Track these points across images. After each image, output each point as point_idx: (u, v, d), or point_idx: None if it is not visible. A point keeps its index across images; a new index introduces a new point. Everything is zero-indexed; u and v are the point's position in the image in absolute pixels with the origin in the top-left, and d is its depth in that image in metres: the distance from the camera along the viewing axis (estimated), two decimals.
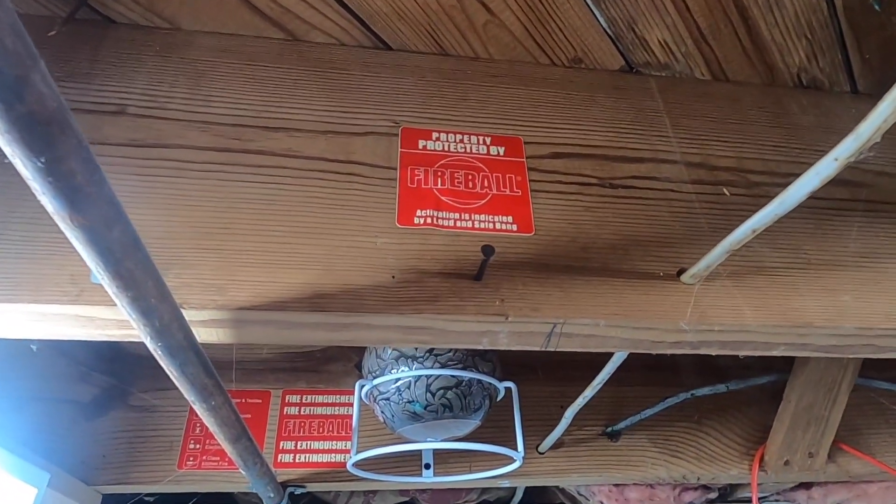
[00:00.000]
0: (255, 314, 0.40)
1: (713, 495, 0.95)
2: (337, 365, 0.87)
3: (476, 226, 0.46)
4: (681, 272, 0.46)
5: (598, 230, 0.48)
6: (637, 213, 0.49)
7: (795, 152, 0.57)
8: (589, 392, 0.65)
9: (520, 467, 0.75)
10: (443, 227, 0.46)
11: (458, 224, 0.46)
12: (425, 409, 0.68)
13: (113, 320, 0.39)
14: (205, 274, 0.40)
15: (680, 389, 0.87)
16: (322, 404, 0.84)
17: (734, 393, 0.92)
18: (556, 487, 0.95)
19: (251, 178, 0.46)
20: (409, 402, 0.68)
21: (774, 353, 0.47)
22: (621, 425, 0.85)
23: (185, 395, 0.43)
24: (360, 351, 0.80)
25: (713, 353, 0.47)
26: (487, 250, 0.40)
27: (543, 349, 0.46)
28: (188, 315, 0.39)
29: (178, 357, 0.37)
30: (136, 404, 0.81)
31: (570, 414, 0.72)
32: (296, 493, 0.79)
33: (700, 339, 0.45)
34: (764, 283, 0.46)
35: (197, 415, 0.82)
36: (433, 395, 0.68)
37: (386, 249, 0.44)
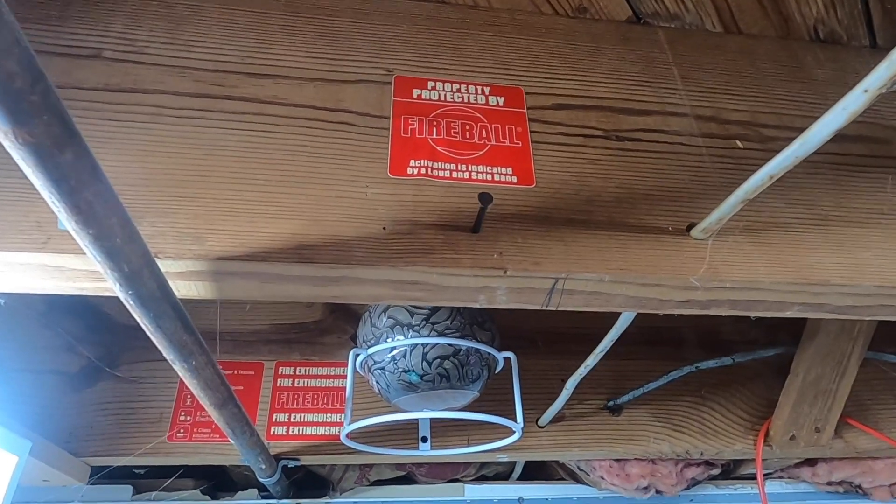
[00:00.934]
0: (236, 265, 0.37)
1: (716, 471, 0.93)
2: (331, 337, 0.85)
3: (473, 177, 0.43)
4: (691, 227, 0.43)
5: (603, 183, 0.45)
6: (644, 166, 0.47)
7: (811, 107, 0.54)
8: (591, 360, 0.63)
9: (519, 440, 0.73)
10: (438, 178, 0.43)
11: (455, 175, 0.43)
12: (421, 378, 0.66)
13: (83, 271, 0.37)
14: (181, 222, 0.38)
15: (683, 364, 0.84)
16: (316, 376, 0.82)
17: (738, 368, 0.89)
18: (556, 462, 0.93)
19: (233, 126, 0.43)
20: (405, 371, 0.66)
21: (787, 313, 0.44)
22: (623, 399, 0.83)
23: (165, 354, 0.40)
24: (355, 323, 0.77)
25: (722, 314, 0.45)
26: (485, 198, 0.38)
27: (544, 307, 0.43)
28: (164, 266, 0.37)
29: (152, 308, 0.34)
30: (125, 375, 0.79)
31: (571, 385, 0.70)
32: (289, 466, 0.77)
33: (710, 297, 0.42)
34: (779, 239, 0.44)
35: (188, 386, 0.80)
36: (429, 364, 0.65)
37: (377, 200, 0.41)
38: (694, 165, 0.47)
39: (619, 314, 0.56)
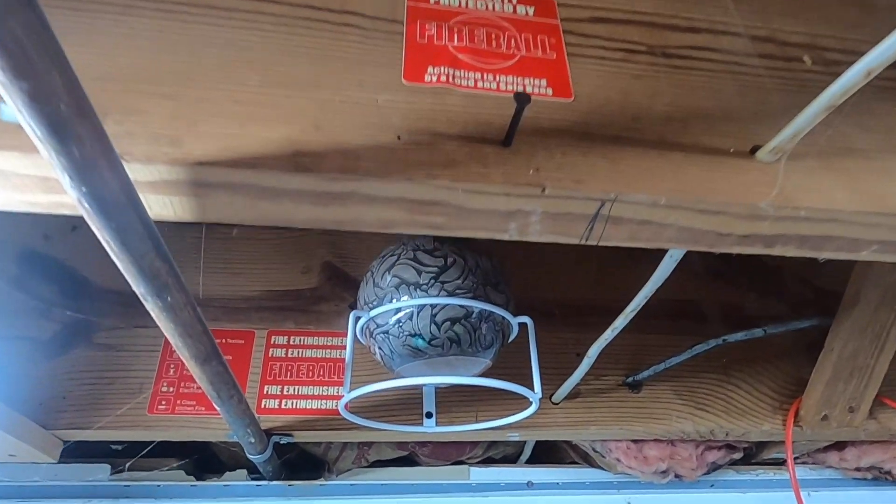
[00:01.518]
0: (221, 173, 0.31)
1: (737, 455, 0.87)
2: (328, 305, 0.79)
3: (502, 87, 0.37)
4: (755, 150, 0.37)
5: (650, 101, 0.39)
6: (697, 84, 0.40)
7: (873, 31, 0.47)
8: (620, 322, 0.57)
9: (532, 416, 0.67)
10: (461, 86, 0.37)
11: (480, 85, 0.37)
12: (429, 343, 0.59)
13: (34, 177, 0.30)
14: (154, 122, 0.31)
15: (705, 339, 0.78)
16: (311, 346, 0.75)
17: (765, 344, 0.84)
18: (568, 444, 0.87)
19: (221, 22, 0.36)
20: (412, 335, 0.60)
21: (862, 254, 0.38)
22: (643, 375, 0.77)
23: (134, 287, 0.34)
24: (354, 291, 0.71)
25: (788, 254, 0.39)
26: (522, 98, 0.31)
27: (582, 241, 0.37)
28: (132, 172, 0.30)
29: (114, 217, 0.27)
30: (102, 342, 0.72)
31: (594, 353, 0.63)
32: (281, 442, 0.70)
33: (778, 230, 0.36)
34: (855, 165, 0.38)
35: (171, 354, 0.73)
36: (438, 327, 0.59)
37: (389, 108, 0.34)
38: (752, 86, 0.41)
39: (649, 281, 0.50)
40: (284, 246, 0.83)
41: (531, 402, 0.63)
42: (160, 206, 0.32)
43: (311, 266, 0.82)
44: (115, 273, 0.73)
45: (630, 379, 0.78)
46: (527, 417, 0.64)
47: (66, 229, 0.79)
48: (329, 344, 0.76)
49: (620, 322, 0.56)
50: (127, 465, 0.73)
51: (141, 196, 0.29)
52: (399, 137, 0.33)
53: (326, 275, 0.81)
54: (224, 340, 0.74)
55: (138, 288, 0.33)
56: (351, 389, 0.58)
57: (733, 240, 0.37)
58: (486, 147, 0.34)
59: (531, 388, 0.60)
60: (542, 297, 0.82)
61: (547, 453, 0.90)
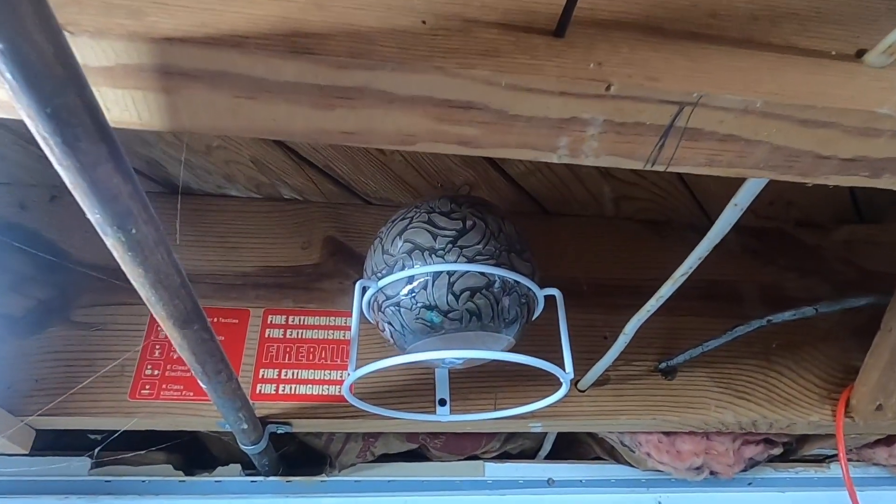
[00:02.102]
0: (195, 56, 0.24)
1: (777, 451, 0.80)
2: (331, 282, 0.72)
3: None
4: (861, 53, 0.30)
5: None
6: None
7: None
8: (667, 290, 0.49)
9: (557, 404, 0.60)
10: None
11: None
12: (445, 316, 0.52)
13: None
14: None
15: (743, 321, 0.71)
16: (312, 327, 0.68)
17: (809, 328, 0.76)
18: (593, 438, 0.80)
19: None
20: (426, 307, 0.52)
21: None
22: (678, 360, 0.70)
23: (88, 214, 0.26)
24: (360, 268, 0.64)
25: (892, 186, 0.31)
26: None
27: (648, 166, 0.30)
28: (80, 52, 0.23)
29: (48, 97, 0.20)
30: (80, 321, 0.65)
31: (630, 329, 0.56)
32: (278, 432, 0.63)
33: (892, 151, 0.29)
34: None
35: (157, 333, 0.66)
36: (456, 297, 0.52)
37: None
38: None
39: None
40: (283, 218, 0.76)
41: (560, 385, 0.55)
42: (120, 109, 0.25)
43: (312, 240, 0.75)
44: (96, 246, 0.66)
45: (663, 364, 0.71)
46: (557, 401, 0.57)
47: (44, 199, 0.72)
48: (332, 324, 0.69)
49: (667, 289, 0.49)
50: (110, 457, 0.65)
51: (95, 92, 0.22)
52: (424, 22, 0.26)
53: (329, 250, 0.74)
54: (216, 320, 0.67)
55: (93, 213, 0.26)
56: (357, 367, 0.51)
57: (833, 166, 0.30)
58: (533, 37, 0.27)
59: (561, 368, 0.53)
60: (566, 275, 0.74)
61: (568, 448, 0.83)
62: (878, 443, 0.81)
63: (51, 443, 0.70)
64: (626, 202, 0.80)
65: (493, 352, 0.48)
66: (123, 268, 0.30)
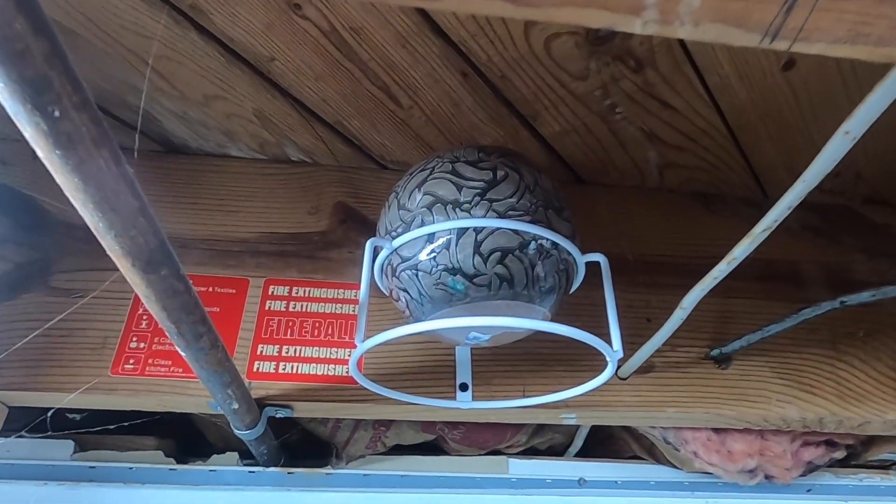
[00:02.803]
0: None
1: (839, 454, 0.70)
2: (340, 252, 0.64)
3: None
4: None
5: None
6: None
7: None
8: (740, 252, 0.41)
9: (597, 391, 0.51)
10: None
11: None
12: (471, 281, 0.44)
13: None
14: None
15: (807, 305, 0.62)
16: (318, 299, 0.61)
17: (882, 314, 0.67)
18: (630, 434, 0.71)
19: None
20: (448, 270, 0.44)
21: None
22: (733, 346, 0.61)
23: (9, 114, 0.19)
24: (372, 234, 0.55)
25: None
26: None
27: (767, 42, 0.22)
28: None
29: None
30: (61, 286, 0.58)
31: (689, 303, 0.48)
32: (277, 416, 0.56)
33: None
34: None
35: (143, 304, 0.59)
36: (484, 259, 0.44)
37: None
38: None
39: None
40: (289, 181, 0.68)
41: (602, 368, 0.47)
42: None
43: (321, 206, 0.67)
44: None
45: (716, 351, 0.62)
46: (600, 386, 0.49)
47: (26, 155, 0.66)
48: (340, 297, 0.61)
49: (744, 249, 0.40)
50: (95, 441, 0.58)
51: None
52: None
53: (339, 217, 0.66)
54: (211, 289, 0.60)
55: (15, 111, 0.19)
56: (367, 337, 0.43)
57: None
58: None
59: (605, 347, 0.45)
60: (604, 250, 0.66)
61: (602, 445, 0.74)
62: None
63: (30, 423, 0.63)
64: (671, 171, 0.72)
65: (530, 320, 0.40)
66: (55, 176, 0.23)
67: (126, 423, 0.59)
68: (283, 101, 0.62)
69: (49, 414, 0.52)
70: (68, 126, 0.21)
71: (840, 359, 0.64)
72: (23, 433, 0.60)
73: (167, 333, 0.36)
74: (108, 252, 0.28)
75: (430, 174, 0.47)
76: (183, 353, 0.38)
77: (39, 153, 0.22)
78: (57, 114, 0.20)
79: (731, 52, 0.56)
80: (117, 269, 0.59)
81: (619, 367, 0.60)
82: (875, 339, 0.66)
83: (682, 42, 0.56)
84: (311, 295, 0.61)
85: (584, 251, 0.50)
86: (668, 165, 0.71)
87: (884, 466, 0.75)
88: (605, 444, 0.74)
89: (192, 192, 0.66)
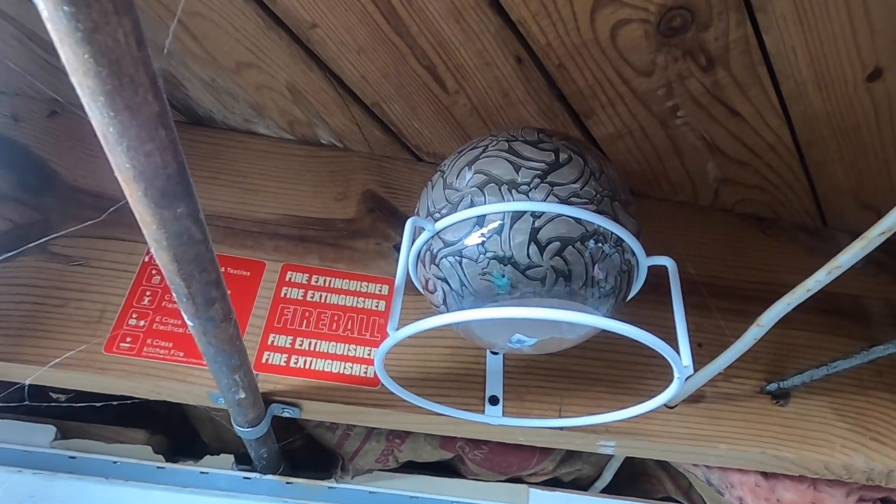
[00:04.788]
0: None
1: None
2: (367, 242, 0.59)
3: None
4: None
5: None
6: None
7: None
8: (845, 259, 0.35)
9: (637, 418, 0.45)
10: None
11: None
12: (523, 273, 0.39)
13: None
14: None
15: (876, 343, 0.56)
16: (340, 291, 0.55)
17: None
18: (665, 472, 0.65)
19: None
20: (498, 259, 0.39)
21: None
22: (794, 381, 0.55)
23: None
24: (401, 228, 0.49)
25: None
26: None
27: None
28: None
29: None
30: (60, 252, 0.53)
31: (768, 321, 0.42)
32: (283, 414, 0.50)
33: None
34: None
35: (150, 278, 0.54)
36: (541, 249, 0.38)
37: None
38: None
39: None
40: (317, 164, 0.64)
41: (656, 391, 0.41)
42: None
43: (349, 192, 0.62)
44: (92, 171, 0.54)
45: (774, 386, 0.56)
46: (659, 406, 0.42)
47: (41, 113, 0.62)
48: (363, 290, 0.55)
49: (848, 257, 0.35)
50: (77, 429, 0.52)
51: None
52: None
53: (368, 205, 0.61)
54: (224, 269, 0.55)
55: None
56: (400, 325, 0.37)
57: None
58: None
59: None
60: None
61: (632, 482, 0.67)
62: None
63: (8, 401, 0.58)
64: (728, 188, 0.66)
65: (597, 317, 0.34)
66: (61, 53, 0.18)
67: (114, 402, 0.53)
68: (320, 74, 0.57)
69: (26, 382, 0.46)
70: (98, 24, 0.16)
71: None
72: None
73: (174, 293, 0.30)
74: (117, 174, 0.23)
75: (483, 152, 0.42)
76: (190, 323, 0.33)
77: (43, 11, 0.17)
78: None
79: (812, 52, 0.51)
80: (124, 240, 0.54)
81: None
82: None
83: (760, 39, 0.51)
84: (331, 285, 0.55)
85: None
86: (726, 181, 0.66)
87: None
88: (635, 481, 0.68)
89: (212, 167, 0.61)
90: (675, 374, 0.38)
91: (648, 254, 0.44)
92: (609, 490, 0.66)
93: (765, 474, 0.59)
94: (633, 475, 0.66)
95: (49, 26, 0.17)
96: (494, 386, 0.51)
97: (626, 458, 0.64)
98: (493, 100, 0.58)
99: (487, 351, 0.53)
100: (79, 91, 0.19)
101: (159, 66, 0.57)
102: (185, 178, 0.24)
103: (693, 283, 0.62)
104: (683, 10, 0.49)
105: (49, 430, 0.59)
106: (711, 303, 0.60)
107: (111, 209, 0.52)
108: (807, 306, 0.62)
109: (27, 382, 0.47)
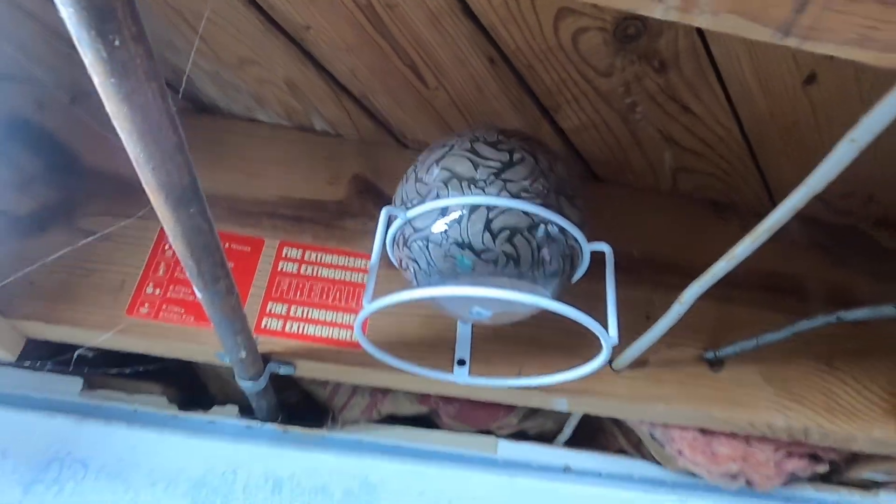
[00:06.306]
0: None
1: (822, 469, 0.71)
2: (355, 222, 0.66)
3: None
4: None
5: None
6: None
7: None
8: (743, 249, 0.42)
9: (591, 378, 0.53)
10: None
11: None
12: (479, 256, 0.46)
13: None
14: None
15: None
16: (330, 266, 0.63)
17: (882, 336, 0.68)
18: (619, 428, 0.73)
19: None
20: (458, 244, 0.46)
21: None
22: (728, 351, 0.62)
23: (61, 7, 0.21)
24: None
25: None
26: None
27: (779, 38, 0.23)
28: None
29: None
30: (85, 228, 0.61)
31: (688, 298, 0.49)
32: (280, 372, 0.58)
33: None
34: None
35: (164, 251, 0.61)
36: (494, 236, 0.46)
37: None
38: None
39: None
40: (312, 150, 0.70)
41: (600, 350, 0.49)
42: None
43: (340, 176, 0.69)
44: (111, 154, 0.61)
45: (711, 354, 0.63)
46: (593, 371, 0.50)
47: (63, 100, 0.68)
48: (350, 265, 0.63)
49: (744, 249, 0.42)
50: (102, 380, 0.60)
51: None
52: None
53: (356, 188, 0.68)
54: (227, 245, 0.62)
55: (65, 6, 0.20)
56: (374, 298, 0.45)
57: None
58: None
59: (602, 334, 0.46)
60: (613, 246, 0.67)
61: (591, 436, 0.76)
62: None
63: (42, 356, 0.66)
64: (685, 175, 0.73)
65: (531, 295, 0.41)
66: (106, 104, 0.25)
67: (140, 369, 0.61)
68: (314, 71, 0.64)
69: (76, 353, 0.55)
70: (125, 55, 0.23)
71: (833, 374, 0.65)
72: (38, 364, 0.63)
73: (187, 273, 0.38)
74: (145, 185, 0.30)
75: (450, 150, 0.49)
76: (199, 294, 0.40)
77: (95, 79, 0.24)
78: (117, 43, 0.22)
79: (755, 61, 0.57)
80: (140, 218, 0.61)
81: (615, 359, 0.61)
82: (873, 359, 0.67)
83: (707, 48, 0.57)
84: (322, 260, 0.63)
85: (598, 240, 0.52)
86: (683, 169, 0.72)
87: (865, 486, 0.76)
88: (594, 436, 0.76)
89: (216, 152, 0.68)
90: (603, 344, 0.46)
91: (608, 237, 0.51)
92: (570, 444, 0.75)
93: (702, 431, 0.67)
94: (591, 431, 0.75)
95: (101, 92, 0.24)
96: (463, 350, 0.59)
97: (584, 415, 0.72)
98: (469, 94, 0.64)
99: (458, 321, 0.61)
100: (119, 130, 0.26)
101: (171, 63, 0.64)
102: (196, 187, 0.31)
103: (650, 262, 0.69)
104: (636, 19, 0.55)
105: (77, 382, 0.68)
106: (663, 279, 0.68)
107: (139, 214, 0.58)
108: (749, 283, 0.70)
109: (77, 350, 0.55)
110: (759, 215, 0.76)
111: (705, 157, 0.70)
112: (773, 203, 0.76)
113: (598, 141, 0.69)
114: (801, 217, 0.77)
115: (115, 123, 0.26)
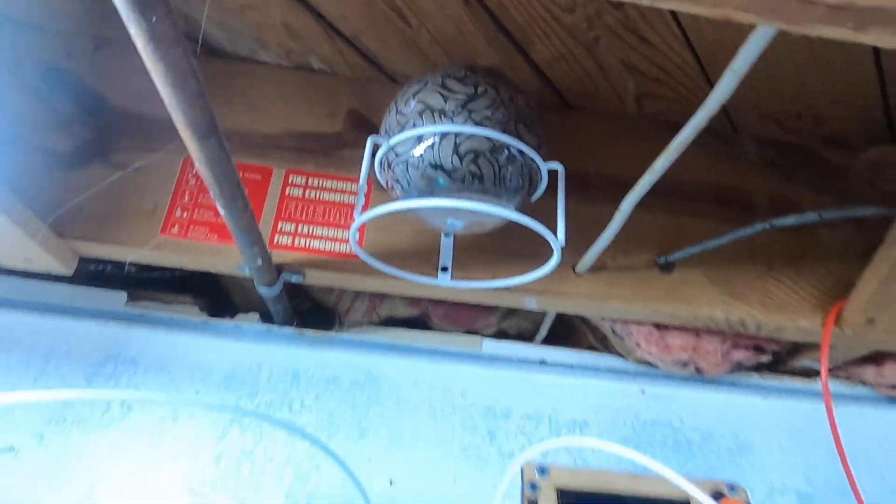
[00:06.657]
0: None
1: (765, 358, 0.82)
2: (351, 151, 0.75)
3: None
4: None
5: None
6: None
7: None
8: (662, 163, 0.51)
9: (553, 278, 0.63)
10: None
11: None
12: (449, 175, 0.55)
13: None
14: None
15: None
16: (330, 190, 0.72)
17: (817, 242, 0.77)
18: (588, 327, 0.84)
19: None
20: (432, 166, 0.55)
21: None
22: (678, 255, 0.72)
23: None
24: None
25: (881, 43, 0.32)
26: None
27: None
28: None
29: None
30: (119, 162, 0.70)
31: (627, 207, 0.58)
32: (292, 280, 0.69)
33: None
34: None
35: (188, 180, 0.71)
36: (461, 158, 0.55)
37: None
38: None
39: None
40: (311, 88, 0.78)
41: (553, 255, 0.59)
42: None
43: (336, 111, 0.77)
44: (135, 95, 0.70)
45: (662, 259, 0.73)
46: (548, 272, 0.60)
47: (88, 48, 0.76)
48: (348, 189, 0.73)
49: (662, 163, 0.51)
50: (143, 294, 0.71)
51: None
52: None
53: (351, 122, 0.77)
54: (241, 174, 0.71)
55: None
56: (363, 213, 0.55)
57: (819, 13, 0.30)
58: None
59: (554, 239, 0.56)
60: (580, 168, 0.76)
61: (565, 335, 0.87)
62: (866, 361, 0.83)
63: (89, 273, 0.78)
64: (649, 101, 0.80)
65: (489, 205, 0.51)
66: (146, 63, 0.34)
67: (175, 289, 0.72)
68: (309, 15, 0.71)
69: (126, 268, 0.66)
70: (159, 28, 0.31)
71: (771, 275, 0.74)
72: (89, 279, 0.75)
73: (211, 193, 0.48)
74: (176, 123, 0.39)
75: (424, 86, 0.57)
76: (222, 211, 0.50)
77: (138, 44, 0.33)
78: (154, 19, 0.31)
79: None
80: (166, 152, 0.71)
81: (577, 264, 0.71)
82: (807, 261, 0.76)
83: None
84: (323, 185, 0.72)
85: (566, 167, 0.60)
86: (646, 95, 0.79)
87: (806, 374, 0.87)
88: (567, 334, 0.87)
89: (226, 93, 0.76)
90: (552, 246, 0.56)
91: (573, 159, 0.60)
92: (546, 341, 0.86)
93: (657, 326, 0.77)
94: (565, 329, 0.86)
95: (143, 55, 0.33)
96: (446, 258, 0.69)
97: (557, 317, 0.83)
98: (448, 34, 0.72)
99: (442, 233, 0.71)
100: (156, 81, 0.35)
101: (184, 12, 0.71)
102: (214, 123, 0.40)
103: (608, 180, 0.78)
104: None
105: (122, 296, 0.80)
106: (620, 195, 0.76)
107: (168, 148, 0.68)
108: (703, 196, 0.79)
109: (128, 260, 0.67)
110: (719, 136, 0.84)
111: (665, 83, 0.77)
112: (732, 124, 0.84)
113: (569, 72, 0.76)
114: (756, 138, 0.85)
115: (153, 76, 0.35)
